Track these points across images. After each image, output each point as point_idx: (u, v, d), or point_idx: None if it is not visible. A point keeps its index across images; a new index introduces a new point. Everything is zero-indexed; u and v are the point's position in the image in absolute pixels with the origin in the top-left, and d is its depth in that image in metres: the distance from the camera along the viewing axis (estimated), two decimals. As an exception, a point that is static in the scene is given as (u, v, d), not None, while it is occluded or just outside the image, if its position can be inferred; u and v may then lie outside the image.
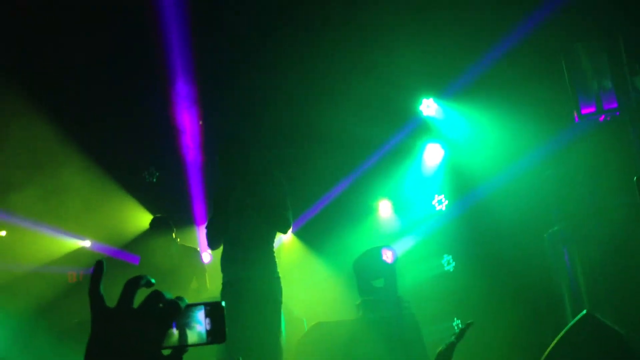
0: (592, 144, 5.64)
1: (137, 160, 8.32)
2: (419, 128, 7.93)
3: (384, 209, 8.47)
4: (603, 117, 5.48)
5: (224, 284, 4.07)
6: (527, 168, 6.39)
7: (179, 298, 0.94)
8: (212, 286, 5.65)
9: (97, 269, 0.94)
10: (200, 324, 0.96)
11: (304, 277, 7.40)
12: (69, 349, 4.88)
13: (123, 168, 8.19)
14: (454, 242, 7.48)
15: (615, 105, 5.34)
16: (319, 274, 7.93)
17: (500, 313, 6.27)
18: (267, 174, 4.16)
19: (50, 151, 7.18)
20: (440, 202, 7.98)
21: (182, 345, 0.95)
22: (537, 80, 6.28)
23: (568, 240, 5.48)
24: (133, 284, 0.93)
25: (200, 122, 7.70)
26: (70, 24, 6.02)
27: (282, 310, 4.05)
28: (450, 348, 2.36)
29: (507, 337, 5.96)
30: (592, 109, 5.44)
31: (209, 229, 4.14)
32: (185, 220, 7.94)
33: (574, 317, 3.00)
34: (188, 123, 7.77)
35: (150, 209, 8.37)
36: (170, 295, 0.93)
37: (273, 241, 4.09)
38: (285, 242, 8.26)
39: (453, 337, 2.38)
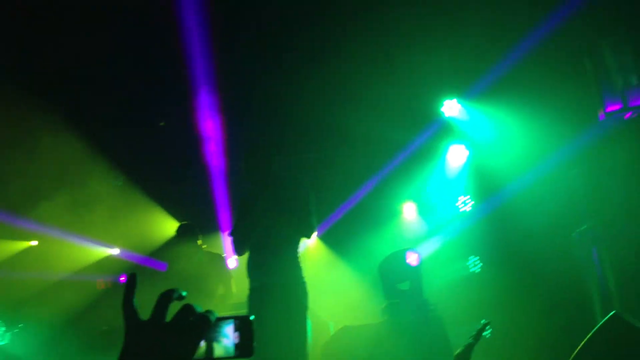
0: (618, 141, 5.54)
1: (162, 168, 8.42)
2: (442, 129, 7.88)
3: (409, 211, 8.43)
4: (629, 114, 5.38)
5: (250, 290, 4.10)
6: (552, 167, 6.31)
7: (209, 312, 0.96)
8: (238, 292, 5.69)
9: (129, 283, 0.96)
10: (228, 337, 0.98)
11: (329, 281, 7.41)
12: (98, 355, 4.95)
13: (148, 177, 8.30)
14: (480, 244, 7.41)
15: (641, 102, 5.25)
16: (344, 278, 7.93)
17: (529, 314, 6.19)
18: (290, 179, 4.17)
19: (77, 161, 7.31)
20: (465, 203, 7.92)
21: (210, 358, 0.96)
22: (561, 78, 6.20)
23: (597, 239, 5.39)
24: (166, 298, 0.95)
25: (224, 130, 7.76)
26: (96, 37, 6.13)
27: (308, 315, 4.06)
28: (467, 349, 2.33)
29: (536, 338, 5.88)
30: (617, 106, 5.35)
31: (234, 235, 4.18)
32: (211, 227, 8.02)
33: (603, 318, 2.95)
34: (212, 131, 7.84)
35: (176, 217, 8.47)
36: (200, 308, 0.95)
37: (298, 246, 4.10)
38: (310, 246, 8.28)
39: (470, 339, 2.35)
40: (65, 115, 6.81)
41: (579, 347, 2.71)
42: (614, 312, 2.85)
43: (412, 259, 5.37)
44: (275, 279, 3.97)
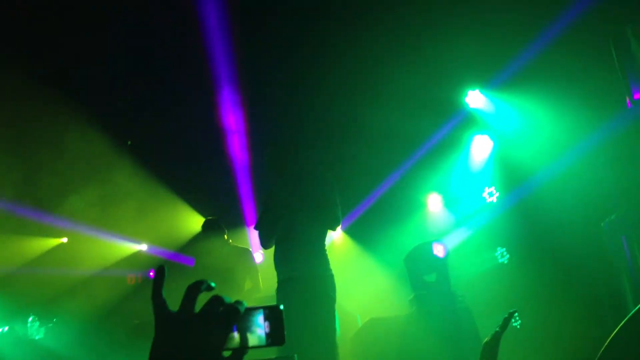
0: (646, 128, 5.45)
1: (187, 164, 8.51)
2: (466, 120, 7.83)
3: (434, 203, 8.41)
4: (657, 101, 5.28)
5: (278, 283, 4.13)
6: (579, 156, 6.22)
7: (238, 302, 0.97)
8: (265, 285, 5.74)
9: (158, 275, 0.97)
10: (259, 327, 0.99)
11: (355, 273, 7.42)
12: (130, 349, 5.03)
13: (174, 173, 8.39)
14: (508, 234, 7.35)
15: (669, 88, 5.15)
16: (369, 270, 7.94)
17: (559, 304, 6.13)
18: (315, 173, 4.19)
19: (104, 159, 7.42)
20: (491, 194, 7.86)
21: (243, 347, 0.98)
22: (587, 65, 6.10)
23: (626, 228, 5.31)
24: (194, 289, 0.96)
25: (248, 125, 7.81)
26: (123, 35, 6.22)
27: (336, 307, 4.08)
28: (495, 338, 2.34)
29: (566, 328, 5.83)
30: (645, 93, 5.26)
31: (260, 229, 4.22)
32: (236, 222, 8.10)
33: (634, 307, 2.92)
34: (236, 126, 7.90)
35: (202, 212, 8.57)
36: (229, 299, 0.96)
37: (324, 239, 4.12)
38: (335, 240, 8.31)
39: (497, 327, 2.35)
40: (93, 112, 6.92)
41: (610, 337, 2.69)
42: (646, 300, 2.82)
43: (438, 250, 5.35)
44: (302, 271, 3.99)
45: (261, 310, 1.00)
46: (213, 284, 0.98)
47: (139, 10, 6.20)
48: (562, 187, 6.42)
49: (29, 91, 5.92)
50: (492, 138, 7.84)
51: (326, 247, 4.16)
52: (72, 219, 7.91)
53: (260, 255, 7.52)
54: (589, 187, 6.08)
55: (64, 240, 8.75)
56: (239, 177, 8.20)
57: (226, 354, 0.95)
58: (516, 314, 2.49)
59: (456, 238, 7.43)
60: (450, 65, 6.92)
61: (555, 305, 6.16)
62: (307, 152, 4.36)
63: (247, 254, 6.04)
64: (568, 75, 6.25)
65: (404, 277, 5.85)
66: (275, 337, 0.99)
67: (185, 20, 6.31)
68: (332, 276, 4.05)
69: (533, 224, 6.95)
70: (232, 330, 0.96)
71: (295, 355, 3.42)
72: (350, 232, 8.37)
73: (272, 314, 1.00)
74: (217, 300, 0.95)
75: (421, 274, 5.32)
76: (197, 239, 7.89)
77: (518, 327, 6.15)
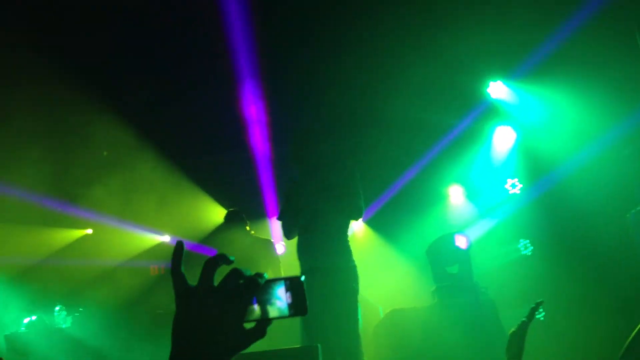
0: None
1: (209, 156, 8.56)
2: (488, 111, 7.75)
3: (455, 194, 8.36)
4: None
5: (301, 273, 4.15)
6: (604, 147, 6.14)
7: (258, 274, 0.97)
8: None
9: (177, 249, 0.98)
10: (281, 298, 0.98)
11: (376, 265, 7.42)
12: (153, 338, 5.09)
13: (196, 165, 8.46)
14: (531, 226, 7.28)
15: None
16: (391, 262, 7.93)
17: (583, 296, 6.08)
18: (338, 163, 4.21)
19: (129, 151, 7.50)
20: (514, 186, 7.80)
21: (265, 319, 0.97)
22: (611, 55, 6.01)
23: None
24: (211, 263, 0.97)
25: (269, 116, 7.83)
26: (144, 31, 6.28)
27: (358, 298, 4.09)
28: (522, 328, 2.33)
29: (590, 319, 5.78)
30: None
31: (283, 219, 4.24)
32: (258, 213, 8.14)
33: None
34: (257, 117, 7.92)
35: (223, 204, 8.63)
36: (249, 272, 0.96)
37: (347, 229, 4.13)
38: (357, 231, 8.31)
39: (524, 317, 2.35)
40: (115, 103, 6.98)
41: (636, 329, 2.67)
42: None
43: (461, 242, 5.34)
44: (325, 262, 4.01)
45: (282, 282, 0.99)
46: (232, 258, 0.97)
47: (163, 3, 6.26)
48: (587, 178, 6.35)
49: (55, 83, 6.00)
50: (515, 129, 7.76)
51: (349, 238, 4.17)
52: (97, 211, 8.02)
53: (282, 246, 7.56)
54: (614, 178, 6.01)
55: (89, 231, 8.89)
56: (261, 168, 8.24)
57: (249, 325, 0.95)
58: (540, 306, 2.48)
59: (479, 230, 7.39)
60: (471, 56, 6.85)
61: (579, 297, 6.11)
62: (329, 143, 4.36)
63: (268, 245, 6.08)
64: (593, 65, 6.17)
65: (426, 269, 5.84)
66: (297, 307, 0.98)
67: (206, 12, 6.33)
68: (354, 267, 4.06)
69: (557, 216, 6.89)
70: (252, 303, 0.96)
71: (319, 346, 3.45)
72: (371, 223, 8.37)
73: (294, 285, 0.99)
74: (236, 273, 0.95)
75: (443, 266, 5.31)
76: (219, 230, 7.95)
77: (542, 319, 6.11)
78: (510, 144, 7.80)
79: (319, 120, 7.33)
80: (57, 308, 6.99)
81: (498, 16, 6.39)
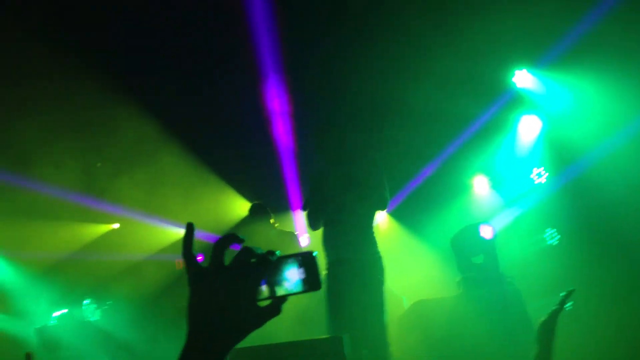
0: None
1: (233, 149, 8.60)
2: (513, 100, 7.65)
3: (480, 184, 8.28)
4: None
5: (327, 264, 4.16)
6: (632, 135, 6.02)
7: (270, 252, 0.97)
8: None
9: (188, 232, 0.98)
10: (294, 275, 0.98)
11: (401, 255, 7.40)
12: (178, 330, 5.16)
13: (220, 158, 8.50)
14: (557, 216, 7.18)
15: None
16: (416, 252, 7.90)
17: (612, 286, 5.97)
18: (362, 155, 4.20)
19: (154, 145, 7.57)
20: (540, 175, 7.69)
21: (280, 296, 0.97)
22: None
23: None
24: (221, 242, 0.97)
25: (293, 109, 7.83)
26: (172, 25, 6.33)
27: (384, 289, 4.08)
28: (553, 316, 2.29)
29: (619, 309, 5.68)
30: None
31: (307, 211, 4.24)
32: (282, 206, 8.16)
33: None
34: (281, 110, 7.93)
35: (248, 197, 8.67)
36: (261, 250, 0.96)
37: (372, 220, 4.12)
38: (381, 222, 8.29)
39: (555, 306, 2.30)
40: (141, 99, 7.05)
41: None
42: None
43: (486, 232, 5.27)
44: (351, 253, 4.00)
45: (295, 258, 0.99)
46: (242, 237, 0.97)
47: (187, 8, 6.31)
48: (614, 167, 6.23)
49: (82, 78, 6.08)
50: (541, 118, 7.64)
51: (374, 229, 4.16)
52: (123, 205, 8.13)
53: (306, 238, 7.58)
54: (642, 167, 5.89)
55: (116, 226, 9.01)
56: (285, 161, 8.26)
57: (264, 303, 0.95)
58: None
59: (504, 220, 7.31)
60: (496, 44, 6.74)
61: (607, 287, 6.00)
62: (354, 135, 4.35)
63: (292, 237, 6.11)
64: (622, 52, 6.03)
65: (450, 259, 5.79)
66: (311, 282, 0.98)
67: (232, 7, 6.35)
68: (380, 259, 4.05)
69: (584, 205, 6.77)
70: (265, 281, 0.96)
71: (344, 336, 3.45)
72: (395, 214, 8.34)
73: (306, 260, 0.99)
74: (247, 251, 0.95)
75: (468, 256, 5.25)
76: (243, 223, 8.01)
77: (569, 309, 6.01)
78: (536, 133, 7.68)
79: (343, 112, 7.31)
80: (86, 301, 7.12)
81: (523, 2, 6.28)
